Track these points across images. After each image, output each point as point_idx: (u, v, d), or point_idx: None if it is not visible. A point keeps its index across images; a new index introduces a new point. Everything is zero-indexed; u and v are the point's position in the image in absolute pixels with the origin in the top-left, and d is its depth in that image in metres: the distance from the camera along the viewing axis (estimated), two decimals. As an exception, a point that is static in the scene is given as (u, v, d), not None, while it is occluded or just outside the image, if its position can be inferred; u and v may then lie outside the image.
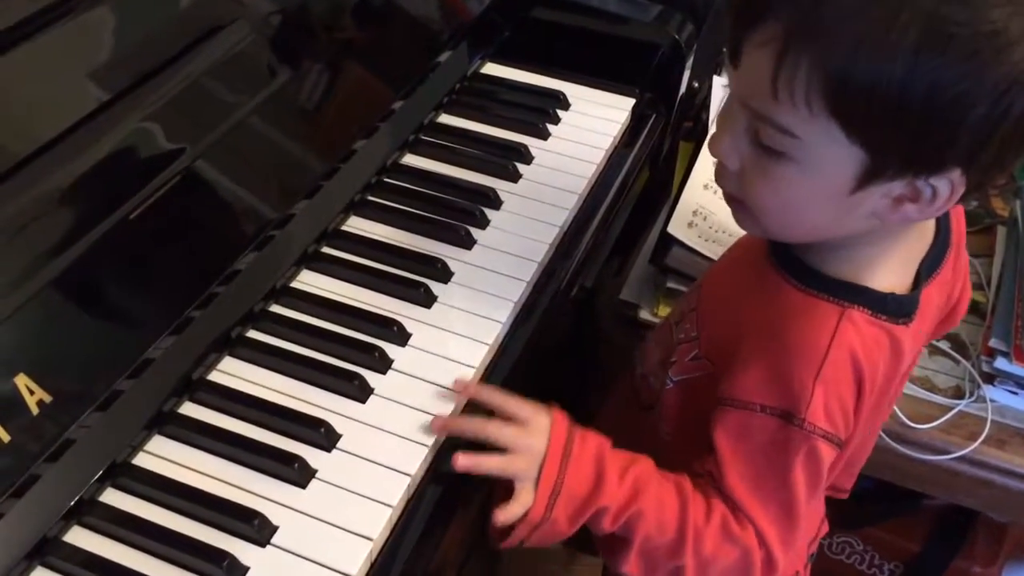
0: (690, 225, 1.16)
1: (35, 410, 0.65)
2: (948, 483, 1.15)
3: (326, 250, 0.91)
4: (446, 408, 0.79)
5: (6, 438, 0.64)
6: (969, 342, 1.17)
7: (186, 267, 0.79)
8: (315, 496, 0.72)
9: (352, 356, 0.81)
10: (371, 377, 0.80)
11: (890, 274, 0.74)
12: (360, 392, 0.79)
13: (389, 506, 0.72)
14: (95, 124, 0.75)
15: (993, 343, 1.12)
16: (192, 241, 0.81)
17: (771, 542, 0.72)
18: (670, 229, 1.14)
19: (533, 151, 1.06)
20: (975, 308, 1.17)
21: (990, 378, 1.14)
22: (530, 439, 0.74)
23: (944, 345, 1.16)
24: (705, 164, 1.22)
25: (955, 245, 0.81)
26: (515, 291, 0.90)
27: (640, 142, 1.13)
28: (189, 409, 0.77)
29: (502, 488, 0.74)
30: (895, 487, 1.16)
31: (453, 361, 0.82)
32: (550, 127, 1.10)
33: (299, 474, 0.72)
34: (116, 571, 0.67)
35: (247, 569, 0.67)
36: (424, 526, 0.74)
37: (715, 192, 1.20)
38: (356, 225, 0.95)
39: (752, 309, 0.76)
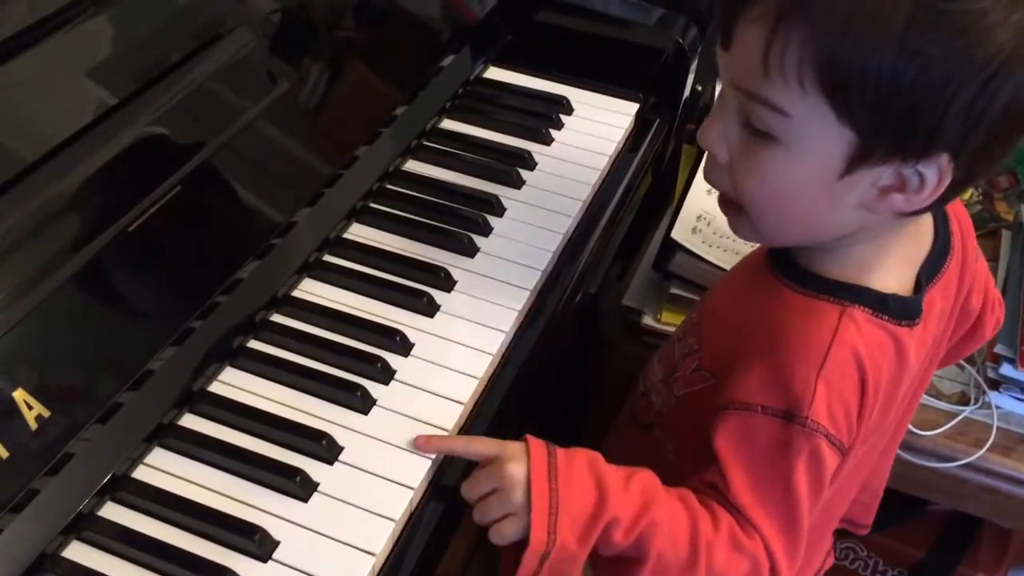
0: (694, 231, 1.15)
1: (34, 425, 0.65)
2: (953, 490, 1.14)
3: (328, 258, 0.90)
4: (449, 420, 0.78)
5: (4, 454, 0.63)
6: (975, 348, 1.16)
7: (187, 277, 0.79)
8: (317, 510, 0.71)
9: (354, 367, 0.81)
10: (373, 388, 0.79)
11: (889, 276, 0.74)
12: (362, 403, 0.78)
13: (392, 520, 0.71)
14: (92, 137, 0.74)
15: (998, 349, 1.12)
16: (193, 250, 0.80)
17: (776, 553, 0.71)
18: (674, 235, 1.14)
19: (536, 157, 1.05)
20: (980, 314, 1.16)
21: (995, 384, 1.14)
22: (507, 468, 0.71)
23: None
24: (709, 168, 1.21)
25: (958, 249, 0.80)
26: (519, 300, 0.89)
27: (644, 147, 1.12)
28: (189, 421, 0.76)
29: (512, 550, 0.71)
30: (900, 493, 1.15)
31: (456, 372, 0.82)
32: (553, 132, 1.09)
33: (301, 487, 0.72)
34: (116, 587, 0.66)
35: (248, 585, 0.67)
36: (427, 540, 0.73)
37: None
38: (358, 233, 0.94)
39: (753, 316, 0.76)
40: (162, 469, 0.73)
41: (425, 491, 0.74)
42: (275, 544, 0.69)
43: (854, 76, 0.61)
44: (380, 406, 0.78)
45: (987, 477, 1.12)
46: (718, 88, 1.26)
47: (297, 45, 0.96)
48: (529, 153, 1.05)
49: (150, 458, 0.73)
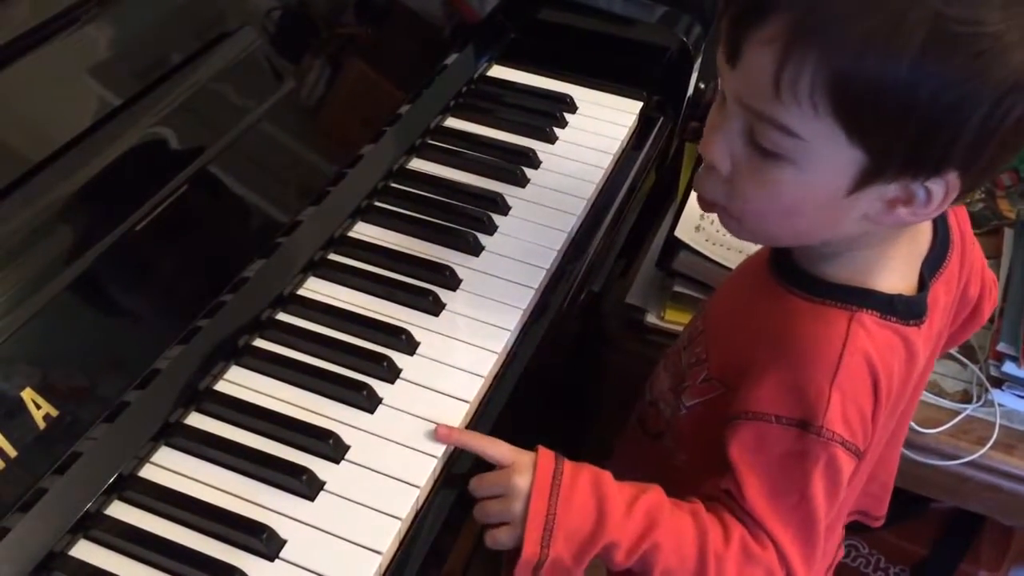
0: (697, 229, 1.15)
1: (42, 424, 0.65)
2: (956, 488, 1.15)
3: (333, 257, 0.90)
4: (455, 418, 0.78)
5: (13, 453, 0.63)
6: (977, 346, 1.16)
7: (193, 276, 0.79)
8: (323, 509, 0.71)
9: (360, 365, 0.81)
10: (379, 387, 0.79)
11: (894, 276, 0.74)
12: (368, 402, 0.78)
13: (398, 519, 0.71)
14: (99, 137, 0.74)
15: (1001, 347, 1.12)
16: (199, 250, 0.80)
17: (792, 560, 0.71)
18: (677, 233, 1.14)
19: (541, 155, 1.05)
20: (983, 312, 1.16)
21: (998, 382, 1.14)
22: (513, 478, 0.72)
23: (952, 349, 1.16)
24: (712, 167, 1.21)
25: (957, 241, 0.80)
26: (524, 298, 0.89)
27: (648, 145, 1.12)
28: (196, 420, 0.76)
29: (515, 553, 0.73)
30: (903, 491, 1.15)
31: (462, 370, 0.82)
32: (557, 131, 1.09)
33: (307, 486, 0.72)
34: (123, 586, 0.66)
35: (255, 584, 0.67)
36: (433, 539, 0.73)
37: (722, 195, 1.20)
38: (363, 231, 0.94)
39: (760, 324, 0.75)
40: (169, 468, 0.73)
41: (431, 490, 0.75)
42: (282, 543, 0.69)
43: (869, 98, 0.60)
44: (386, 405, 0.79)
45: (989, 475, 1.12)
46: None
47: (301, 44, 0.96)
48: (533, 151, 1.05)
49: (157, 457, 0.74)
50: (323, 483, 0.73)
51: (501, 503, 0.73)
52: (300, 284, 0.88)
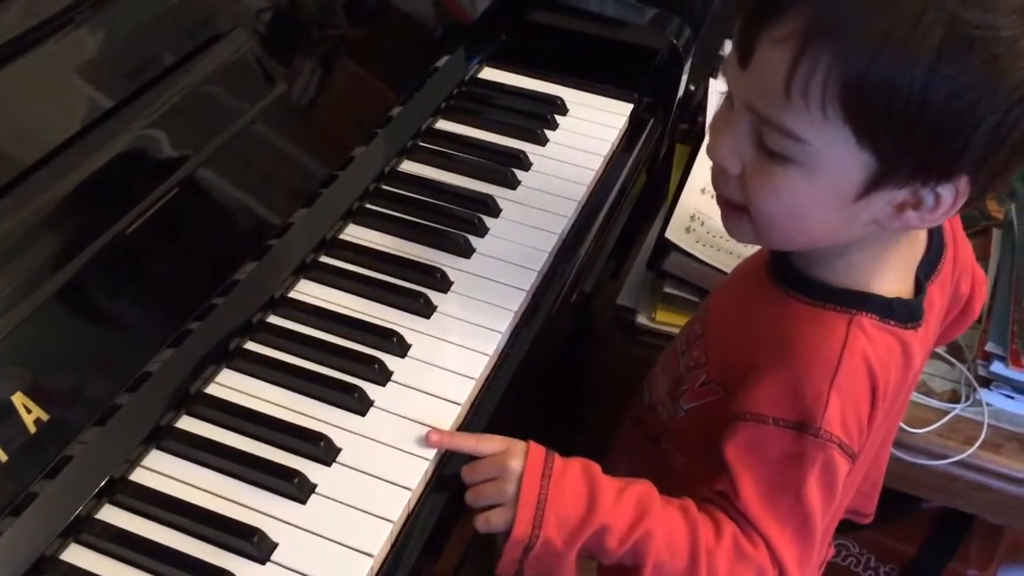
0: (688, 230, 1.16)
1: (32, 428, 0.65)
2: (945, 487, 1.15)
3: (324, 259, 0.91)
4: (446, 421, 0.78)
5: (4, 457, 0.63)
6: (965, 346, 1.17)
7: (184, 279, 0.79)
8: (315, 512, 0.71)
9: (351, 368, 0.81)
10: (371, 389, 0.79)
11: (891, 280, 0.74)
12: (360, 405, 0.78)
13: (390, 521, 0.71)
14: (90, 140, 0.74)
15: (989, 347, 1.13)
16: (190, 253, 0.80)
17: (786, 562, 0.71)
18: (667, 234, 1.14)
19: (531, 157, 1.05)
20: (972, 312, 1.17)
21: (986, 382, 1.14)
22: (507, 460, 0.73)
23: (941, 349, 1.17)
24: (702, 168, 1.22)
25: (950, 242, 0.81)
26: (515, 300, 0.89)
27: (638, 147, 1.12)
28: (187, 423, 0.76)
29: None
30: (892, 491, 1.16)
31: (453, 372, 0.82)
32: (548, 133, 1.09)
33: (299, 489, 0.72)
34: (115, 590, 0.66)
35: (247, 587, 0.67)
36: (424, 541, 0.73)
37: (713, 196, 1.19)
38: (354, 234, 0.94)
39: (759, 327, 0.76)
40: (160, 471, 0.73)
41: (423, 492, 0.75)
42: (274, 546, 0.69)
43: (883, 100, 0.60)
44: (377, 407, 0.79)
45: (978, 474, 1.13)
46: (711, 89, 1.27)
47: (292, 47, 0.96)
48: (524, 153, 1.05)
49: (148, 460, 0.73)
50: (314, 486, 0.73)
51: (494, 485, 0.73)
52: (291, 287, 0.88)
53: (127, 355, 0.73)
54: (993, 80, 0.59)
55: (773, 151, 0.66)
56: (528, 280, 0.91)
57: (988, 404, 1.13)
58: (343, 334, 0.84)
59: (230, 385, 0.79)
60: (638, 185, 1.14)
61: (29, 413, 0.65)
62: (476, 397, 0.82)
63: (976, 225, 1.30)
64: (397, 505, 0.72)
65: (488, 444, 0.75)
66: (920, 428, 1.12)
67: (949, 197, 0.65)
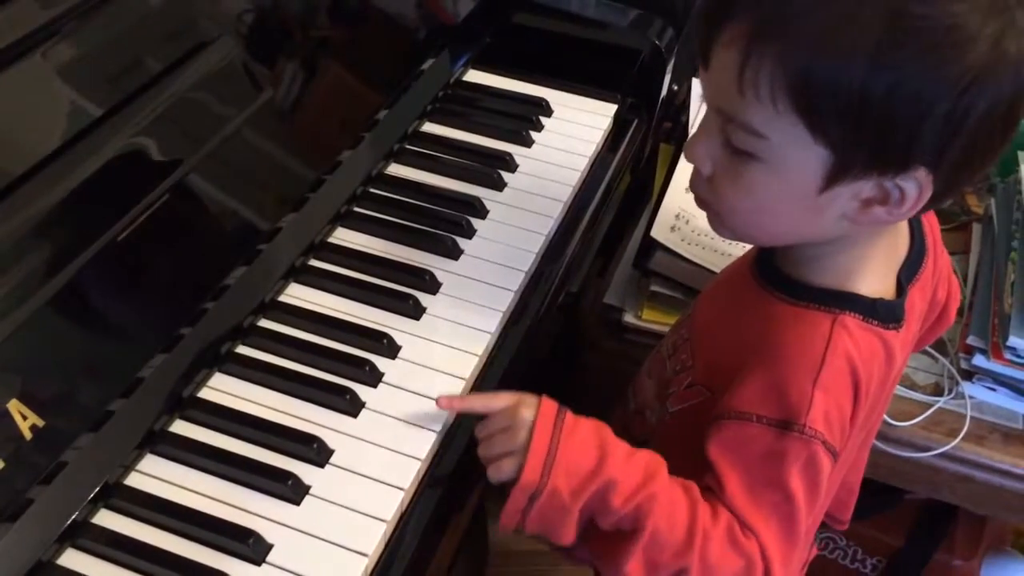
0: (673, 229, 1.17)
1: (28, 435, 0.65)
2: (929, 479, 1.17)
3: (313, 263, 0.91)
4: (437, 420, 0.79)
5: (0, 464, 0.63)
6: (947, 340, 1.19)
7: (175, 285, 0.79)
8: (309, 513, 0.72)
9: (342, 370, 0.82)
10: (362, 391, 0.80)
11: (874, 281, 0.75)
12: (351, 406, 0.79)
13: (383, 521, 0.72)
14: (80, 148, 0.74)
15: (971, 340, 1.14)
16: (181, 258, 0.81)
17: (772, 557, 0.71)
18: (653, 233, 1.15)
19: (517, 159, 1.06)
20: (953, 306, 1.19)
21: (968, 375, 1.15)
22: (519, 410, 0.73)
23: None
24: (686, 167, 1.22)
25: (931, 248, 0.81)
26: (503, 300, 0.90)
27: (623, 147, 1.14)
28: (180, 427, 0.77)
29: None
30: (877, 483, 1.18)
31: (443, 373, 0.83)
32: (533, 134, 1.10)
33: (293, 491, 0.72)
34: (112, 594, 0.67)
35: (243, 588, 0.67)
36: (418, 540, 0.74)
37: (697, 195, 1.21)
38: (343, 237, 0.95)
39: (745, 329, 0.76)
40: (155, 475, 0.73)
41: (415, 491, 0.76)
42: (269, 547, 0.70)
43: (827, 94, 0.62)
44: (369, 408, 0.79)
45: (961, 466, 1.14)
46: (694, 88, 1.28)
47: (279, 53, 0.96)
48: (510, 155, 1.06)
49: (142, 465, 0.74)
50: (308, 487, 0.73)
51: (507, 434, 0.73)
52: (281, 290, 0.88)
53: (120, 361, 0.74)
54: (936, 70, 0.60)
55: (739, 149, 0.68)
56: (516, 280, 0.92)
57: (971, 397, 1.15)
58: (334, 337, 0.84)
59: (223, 389, 0.80)
60: (623, 185, 1.15)
61: (24, 419, 0.65)
62: (466, 397, 0.83)
63: (956, 220, 1.32)
64: (390, 505, 0.73)
65: (499, 400, 0.75)
66: (904, 421, 1.13)
67: (913, 191, 0.66)
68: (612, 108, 1.15)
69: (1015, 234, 1.18)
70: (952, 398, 1.15)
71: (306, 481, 0.74)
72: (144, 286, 0.77)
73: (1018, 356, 1.10)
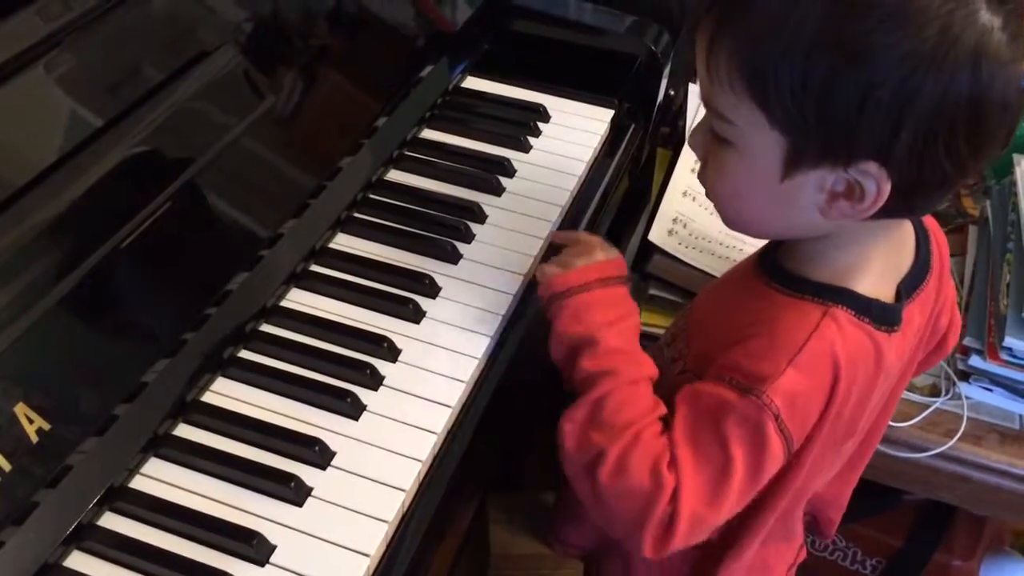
0: (670, 233, 1.18)
1: (34, 438, 0.66)
2: (927, 480, 1.17)
3: (314, 268, 0.92)
4: (438, 423, 0.80)
5: (7, 467, 0.64)
6: (945, 341, 1.19)
7: (178, 290, 0.80)
8: (311, 514, 0.73)
9: (344, 374, 0.82)
10: (363, 394, 0.81)
11: (872, 283, 0.75)
12: (353, 409, 0.80)
13: (385, 522, 0.73)
14: (82, 157, 0.75)
15: (967, 341, 1.15)
16: (183, 265, 0.82)
17: (683, 502, 0.70)
18: (650, 237, 1.16)
19: (515, 164, 1.07)
20: (949, 307, 1.19)
21: (965, 376, 1.16)
22: (597, 244, 0.85)
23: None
24: (683, 171, 1.24)
25: (937, 272, 0.82)
26: (502, 304, 0.91)
27: (620, 152, 1.14)
28: (184, 431, 0.78)
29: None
30: (875, 484, 1.18)
31: (443, 376, 0.84)
32: (532, 140, 1.11)
33: (295, 493, 0.73)
34: (117, 596, 0.68)
35: (247, 589, 0.68)
36: (420, 540, 0.75)
37: (694, 199, 1.22)
38: (343, 242, 0.96)
39: (740, 318, 0.77)
40: (159, 479, 0.74)
41: (417, 493, 0.76)
42: (272, 548, 0.70)
43: (770, 83, 0.65)
44: (370, 411, 0.80)
45: (959, 466, 1.15)
46: (691, 93, 1.29)
47: (279, 61, 0.98)
48: (508, 161, 1.07)
49: (147, 468, 0.75)
50: (310, 489, 0.74)
51: (574, 248, 0.86)
52: (283, 296, 0.89)
53: (124, 366, 0.75)
54: (874, 55, 0.61)
55: (718, 135, 0.72)
56: (515, 284, 0.93)
57: (967, 397, 1.16)
58: (335, 341, 0.85)
59: (225, 393, 0.81)
60: (621, 189, 1.16)
61: (31, 423, 0.66)
62: (466, 399, 0.84)
63: (952, 222, 1.33)
64: (392, 506, 0.74)
65: (587, 235, 0.88)
66: (902, 422, 1.14)
67: (871, 187, 0.67)
68: (609, 113, 1.16)
69: (1010, 236, 1.19)
70: (949, 399, 1.16)
71: (308, 483, 0.74)
72: (147, 292, 0.79)
73: (1014, 357, 1.11)
